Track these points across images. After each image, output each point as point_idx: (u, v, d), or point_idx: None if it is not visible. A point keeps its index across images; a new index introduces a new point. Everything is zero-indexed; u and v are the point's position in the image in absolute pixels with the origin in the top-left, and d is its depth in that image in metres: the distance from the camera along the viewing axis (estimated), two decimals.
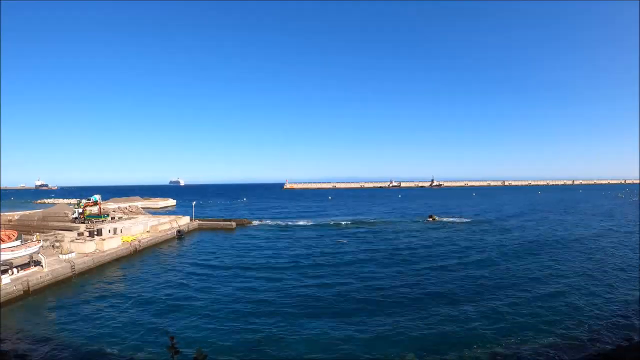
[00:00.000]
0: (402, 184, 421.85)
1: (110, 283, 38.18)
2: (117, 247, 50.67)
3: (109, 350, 22.63)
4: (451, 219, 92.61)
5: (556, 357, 21.38)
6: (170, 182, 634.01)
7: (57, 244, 49.51)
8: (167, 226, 71.34)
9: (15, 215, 78.22)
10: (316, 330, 25.47)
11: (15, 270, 35.54)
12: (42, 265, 37.96)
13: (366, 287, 35.51)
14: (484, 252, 51.31)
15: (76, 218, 69.00)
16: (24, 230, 55.61)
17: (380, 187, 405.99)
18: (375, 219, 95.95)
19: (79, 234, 54.48)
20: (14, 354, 21.18)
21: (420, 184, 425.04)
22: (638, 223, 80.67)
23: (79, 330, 25.78)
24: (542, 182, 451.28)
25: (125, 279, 39.89)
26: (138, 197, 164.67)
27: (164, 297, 32.88)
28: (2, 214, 79.41)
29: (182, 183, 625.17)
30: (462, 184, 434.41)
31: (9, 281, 33.23)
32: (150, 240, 59.27)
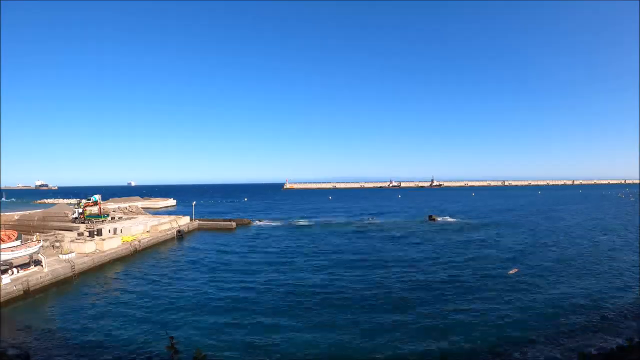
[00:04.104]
0: (402, 184, 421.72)
1: (110, 283, 38.19)
2: (117, 247, 50.65)
3: (109, 350, 22.63)
4: (451, 220, 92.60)
5: (556, 357, 21.37)
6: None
7: (57, 244, 49.48)
8: (167, 226, 71.31)
9: (15, 215, 78.16)
10: (317, 331, 25.45)
11: (15, 270, 35.52)
12: (42, 265, 37.96)
13: (367, 287, 35.50)
14: (485, 253, 51.31)
15: (76, 218, 68.97)
16: (24, 230, 55.53)
17: (380, 187, 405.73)
18: (375, 219, 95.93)
19: (79, 234, 54.47)
20: (14, 354, 21.15)
21: (420, 184, 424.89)
22: (638, 225, 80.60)
23: (79, 330, 25.77)
24: (542, 182, 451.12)
25: (125, 279, 39.87)
26: (138, 197, 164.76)
27: (164, 297, 32.86)
28: (2, 214, 79.37)
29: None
30: (462, 184, 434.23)
31: (9, 281, 33.22)
32: (150, 240, 59.26)
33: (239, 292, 34.28)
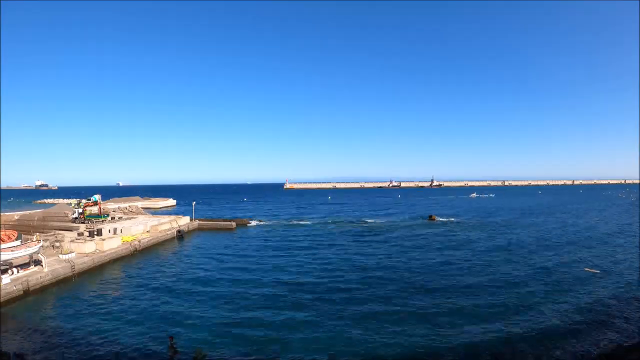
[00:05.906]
0: (402, 184, 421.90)
1: (110, 283, 38.17)
2: (117, 247, 50.66)
3: (108, 350, 22.63)
4: (451, 219, 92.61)
5: (556, 357, 21.36)
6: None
7: (57, 244, 49.48)
8: (167, 226, 71.31)
9: (15, 215, 78.13)
10: (318, 331, 25.45)
11: (15, 270, 35.54)
12: (42, 265, 37.96)
13: (368, 286, 35.49)
14: (485, 252, 51.30)
15: (76, 218, 68.97)
16: (24, 230, 55.52)
17: (380, 187, 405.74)
18: (375, 218, 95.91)
19: (79, 234, 54.47)
20: (14, 354, 21.14)
21: (420, 184, 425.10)
22: (638, 223, 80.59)
23: (79, 330, 25.76)
24: (542, 182, 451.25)
25: (125, 279, 39.86)
26: (138, 197, 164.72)
27: (163, 298, 32.87)
28: (2, 214, 79.36)
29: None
30: (462, 184, 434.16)
31: (9, 281, 33.23)
32: (150, 240, 59.26)
33: (239, 292, 34.23)
